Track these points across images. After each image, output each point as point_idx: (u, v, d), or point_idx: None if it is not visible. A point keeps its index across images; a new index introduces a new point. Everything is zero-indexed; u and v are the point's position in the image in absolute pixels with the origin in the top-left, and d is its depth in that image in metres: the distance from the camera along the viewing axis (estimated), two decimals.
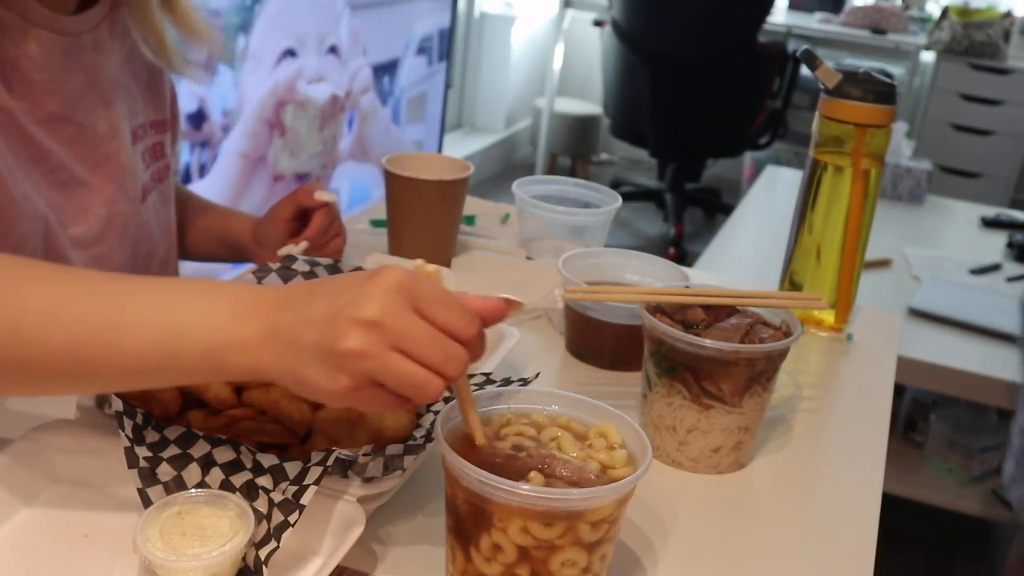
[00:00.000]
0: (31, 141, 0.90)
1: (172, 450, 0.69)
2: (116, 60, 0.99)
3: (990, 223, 2.82)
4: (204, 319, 0.61)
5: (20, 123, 0.88)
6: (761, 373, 0.84)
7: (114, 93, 0.99)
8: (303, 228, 1.10)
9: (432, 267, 0.66)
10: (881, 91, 1.12)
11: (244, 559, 0.66)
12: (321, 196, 1.08)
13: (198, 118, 2.21)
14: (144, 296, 0.63)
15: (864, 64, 4.29)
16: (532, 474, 0.64)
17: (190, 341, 0.61)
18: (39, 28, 0.89)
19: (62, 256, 0.92)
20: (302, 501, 0.65)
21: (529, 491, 0.60)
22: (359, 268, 0.85)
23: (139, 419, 0.71)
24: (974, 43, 4.29)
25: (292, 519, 0.65)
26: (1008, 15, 4.48)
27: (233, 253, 1.20)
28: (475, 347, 0.62)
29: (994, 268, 2.46)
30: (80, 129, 0.94)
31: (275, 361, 0.60)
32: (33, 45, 0.89)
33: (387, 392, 0.60)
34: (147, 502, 0.68)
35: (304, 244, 1.07)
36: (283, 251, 1.04)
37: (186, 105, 2.12)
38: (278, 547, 0.64)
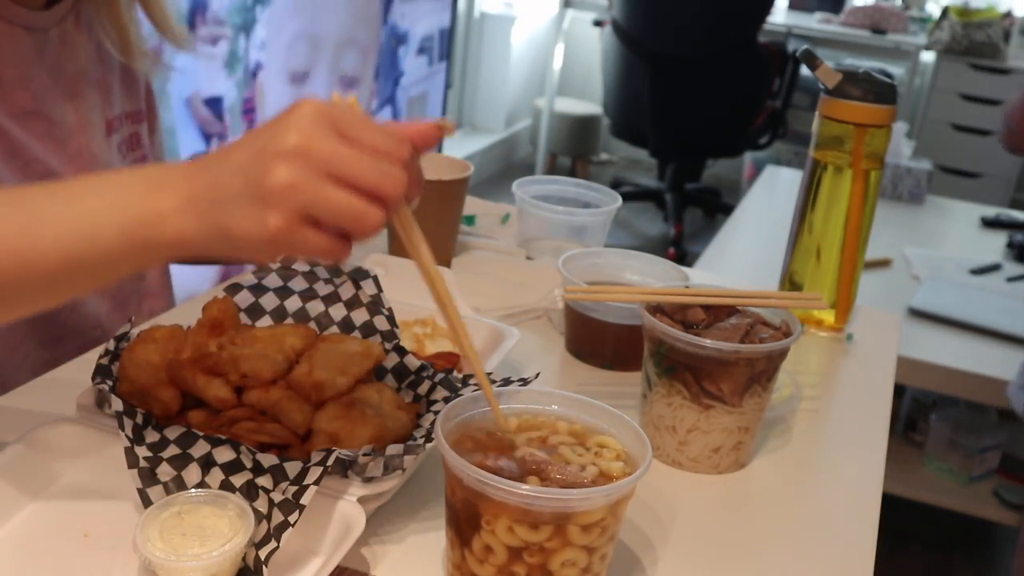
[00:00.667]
0: (6, 136, 0.90)
1: (172, 450, 0.69)
2: (85, 53, 1.00)
3: (990, 223, 2.82)
4: (116, 200, 0.59)
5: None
6: (761, 373, 0.84)
7: (84, 86, 0.99)
8: None
9: (351, 97, 0.61)
10: (881, 91, 1.12)
11: (244, 559, 0.66)
12: None
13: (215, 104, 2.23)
14: (52, 196, 0.61)
15: (864, 64, 4.29)
16: (529, 477, 0.64)
17: (104, 224, 0.59)
18: (9, 23, 0.89)
19: None
20: (302, 501, 0.65)
21: (528, 491, 0.61)
22: (359, 269, 0.85)
23: (139, 419, 0.71)
24: (974, 43, 4.29)
25: (292, 519, 0.64)
26: (1008, 15, 4.48)
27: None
28: (410, 171, 0.58)
29: (994, 268, 2.46)
30: (49, 123, 0.95)
31: (199, 224, 0.58)
32: (4, 40, 0.89)
33: (323, 231, 0.57)
34: (147, 502, 0.68)
35: None
36: None
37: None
38: (278, 547, 0.64)
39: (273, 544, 0.64)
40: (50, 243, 0.59)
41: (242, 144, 0.58)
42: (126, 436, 0.69)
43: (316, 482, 0.65)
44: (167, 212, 0.58)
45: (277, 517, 0.65)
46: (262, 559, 0.64)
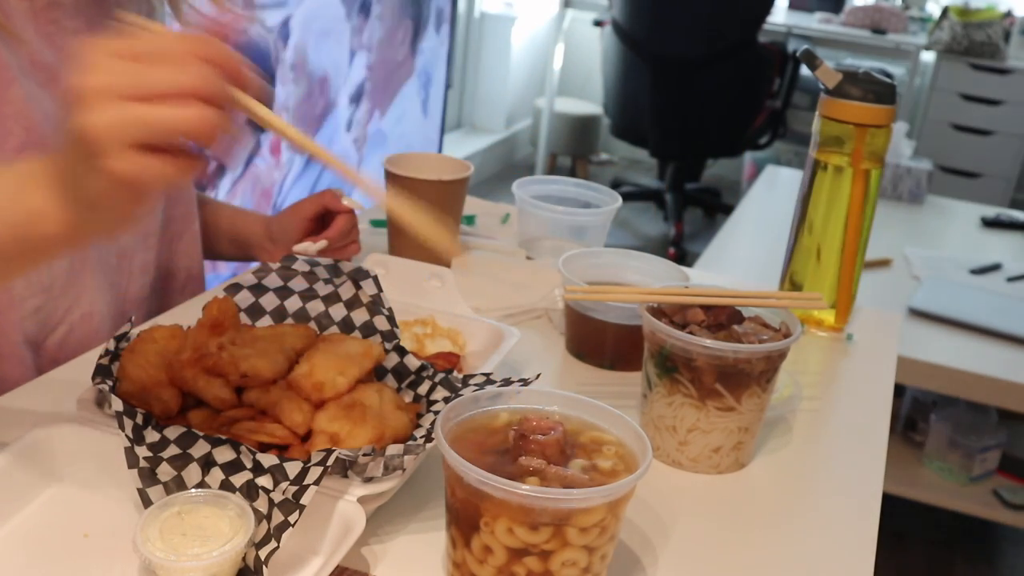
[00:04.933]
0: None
1: (172, 450, 0.69)
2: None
3: (990, 223, 2.82)
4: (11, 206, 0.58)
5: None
6: (761, 374, 0.84)
7: None
8: (321, 229, 1.13)
9: (151, 23, 0.60)
10: (881, 91, 1.12)
11: (244, 559, 0.66)
12: (348, 203, 1.13)
13: None
14: None
15: (864, 64, 4.29)
16: (529, 478, 0.64)
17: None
18: None
19: None
20: (302, 501, 0.65)
21: (528, 490, 0.61)
22: (359, 269, 0.85)
23: (139, 419, 0.71)
24: (974, 43, 4.29)
25: (292, 519, 0.65)
26: (1008, 15, 4.48)
27: (241, 251, 1.21)
28: (227, 61, 0.55)
29: (994, 268, 2.46)
30: None
31: (71, 208, 0.57)
32: None
33: (167, 154, 0.54)
34: (147, 502, 0.68)
35: (323, 243, 1.11)
36: (300, 247, 1.09)
37: None
38: (278, 547, 0.64)
39: (273, 544, 0.64)
40: None
41: (63, 103, 0.55)
42: (126, 436, 0.69)
43: (316, 482, 0.65)
44: (45, 208, 0.57)
45: (277, 517, 0.65)
46: (262, 559, 0.64)
